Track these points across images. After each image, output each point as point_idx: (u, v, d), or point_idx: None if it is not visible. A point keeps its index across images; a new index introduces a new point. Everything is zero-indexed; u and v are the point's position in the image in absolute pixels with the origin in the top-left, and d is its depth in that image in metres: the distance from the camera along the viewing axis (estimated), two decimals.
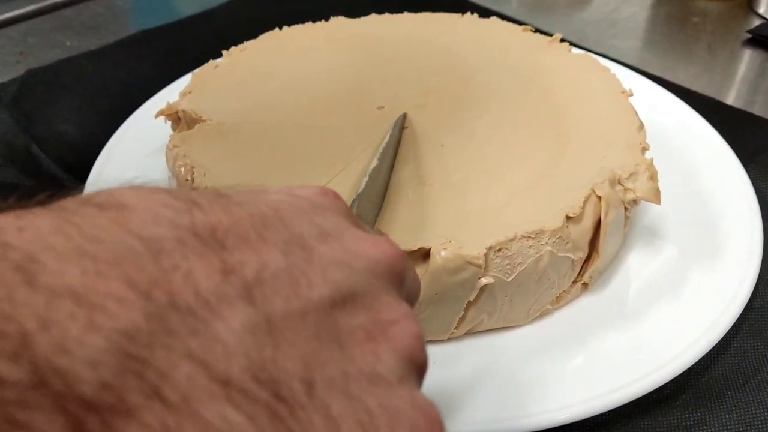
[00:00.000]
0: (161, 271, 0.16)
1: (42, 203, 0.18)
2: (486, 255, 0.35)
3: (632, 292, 0.42)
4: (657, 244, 0.44)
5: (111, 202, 0.18)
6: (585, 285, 0.41)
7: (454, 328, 0.38)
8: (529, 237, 0.36)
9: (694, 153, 0.51)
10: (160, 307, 0.16)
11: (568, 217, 0.37)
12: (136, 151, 0.50)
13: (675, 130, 0.53)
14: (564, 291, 0.40)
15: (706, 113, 0.55)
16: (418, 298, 0.26)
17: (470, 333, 0.39)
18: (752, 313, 0.42)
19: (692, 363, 0.37)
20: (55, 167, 0.54)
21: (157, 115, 0.46)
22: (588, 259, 0.40)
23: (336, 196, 0.24)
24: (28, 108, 0.60)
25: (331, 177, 0.40)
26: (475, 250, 0.35)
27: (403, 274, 0.22)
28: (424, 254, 0.35)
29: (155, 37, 0.72)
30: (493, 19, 0.57)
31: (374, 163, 0.38)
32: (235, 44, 0.54)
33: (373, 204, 0.37)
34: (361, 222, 0.24)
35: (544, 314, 0.40)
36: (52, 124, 0.58)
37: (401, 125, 0.44)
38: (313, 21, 0.57)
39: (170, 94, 0.54)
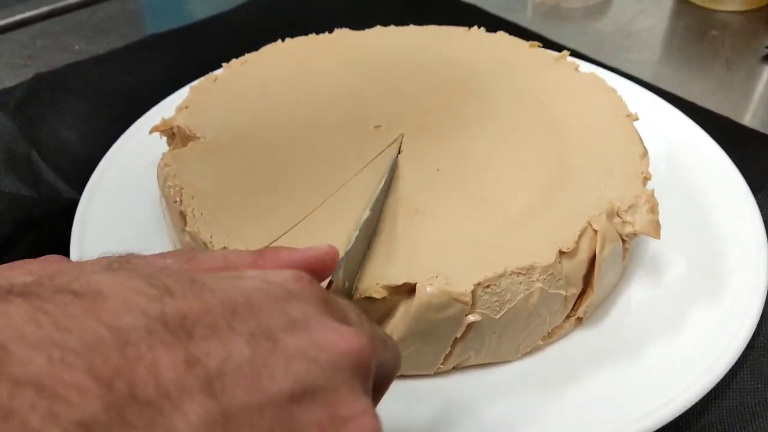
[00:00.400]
0: (126, 361, 0.17)
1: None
2: (473, 292, 0.34)
3: (630, 327, 0.40)
4: (658, 276, 0.43)
5: (86, 289, 0.19)
6: (579, 319, 0.40)
7: (441, 364, 0.37)
8: (520, 273, 0.35)
9: (702, 177, 0.49)
10: (121, 397, 0.16)
11: (561, 252, 0.36)
12: (134, 163, 0.50)
13: (684, 152, 0.51)
14: (556, 326, 0.39)
15: (719, 133, 0.53)
16: (392, 380, 0.26)
17: (458, 368, 0.38)
18: (754, 352, 0.41)
19: (689, 406, 0.36)
20: (54, 176, 0.53)
21: (151, 131, 0.46)
22: (582, 294, 0.39)
23: (310, 281, 0.24)
24: (33, 113, 0.60)
25: (323, 199, 0.40)
26: (462, 286, 0.34)
27: (369, 365, 0.22)
28: (410, 289, 0.35)
29: (165, 41, 0.72)
30: (500, 33, 0.55)
31: (366, 214, 0.37)
32: (247, 49, 0.53)
33: (361, 248, 0.36)
34: (334, 304, 0.24)
35: (535, 350, 0.39)
36: (56, 131, 0.58)
37: (397, 150, 0.43)
38: (322, 30, 0.56)
39: (174, 103, 0.54)
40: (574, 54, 0.64)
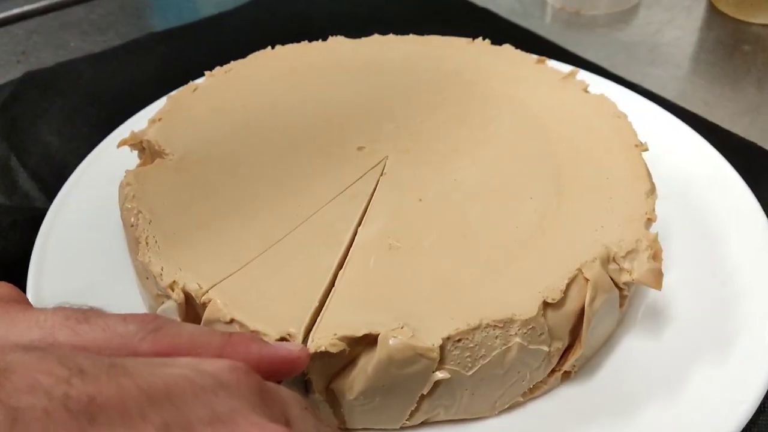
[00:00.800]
0: None
1: None
2: (442, 347, 0.31)
3: (624, 383, 0.36)
4: (660, 326, 0.39)
5: None
6: (567, 373, 0.36)
7: (406, 420, 0.33)
8: (496, 326, 0.32)
9: (719, 214, 0.45)
10: None
11: (546, 303, 0.32)
12: (105, 177, 0.47)
13: (700, 184, 0.47)
14: (540, 382, 0.35)
15: (744, 161, 0.49)
16: None
17: (427, 423, 0.35)
18: (763, 417, 0.36)
19: None
20: (31, 184, 0.51)
21: (119, 145, 0.43)
22: (569, 348, 0.35)
23: (246, 372, 0.23)
24: (18, 114, 0.57)
25: (289, 230, 0.36)
26: (429, 340, 0.31)
27: None
28: (373, 340, 0.31)
29: (163, 40, 0.69)
30: (506, 47, 0.51)
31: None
32: (248, 51, 0.50)
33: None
34: (273, 399, 0.23)
35: (515, 406, 0.35)
36: (39, 135, 0.56)
37: (378, 175, 0.40)
38: (326, 34, 0.52)
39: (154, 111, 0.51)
40: (592, 67, 0.60)
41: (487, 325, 0.31)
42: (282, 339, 0.30)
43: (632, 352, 0.38)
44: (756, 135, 0.56)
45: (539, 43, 0.65)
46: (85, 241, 0.43)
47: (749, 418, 0.34)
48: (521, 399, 0.35)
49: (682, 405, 0.35)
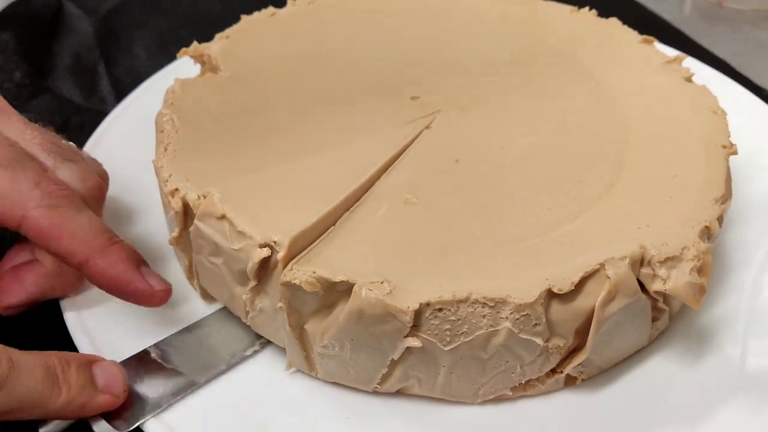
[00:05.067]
0: None
1: None
2: (419, 312, 0.28)
3: (634, 405, 0.32)
4: (701, 355, 0.34)
5: None
6: (572, 379, 0.32)
7: (377, 383, 0.31)
8: (485, 304, 0.28)
9: None
10: None
11: (551, 292, 0.29)
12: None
13: None
14: (534, 379, 0.31)
15: None
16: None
17: (403, 393, 0.32)
18: None
19: None
20: (110, 90, 0.54)
21: (180, 55, 0.43)
22: (577, 350, 0.31)
23: None
24: (116, 25, 0.59)
25: (313, 153, 0.35)
26: (406, 301, 0.28)
27: None
28: (349, 288, 0.29)
29: None
30: (612, 20, 0.46)
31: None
32: None
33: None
34: None
35: (502, 399, 0.32)
36: (130, 47, 0.57)
37: (423, 127, 0.37)
38: None
39: None
40: (715, 61, 0.54)
41: (476, 301, 0.28)
42: (265, 245, 0.29)
43: (657, 374, 0.33)
44: None
45: (666, 33, 0.59)
46: (133, 146, 0.43)
47: None
48: (510, 393, 0.32)
49: None
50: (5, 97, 0.37)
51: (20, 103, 0.50)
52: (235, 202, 0.31)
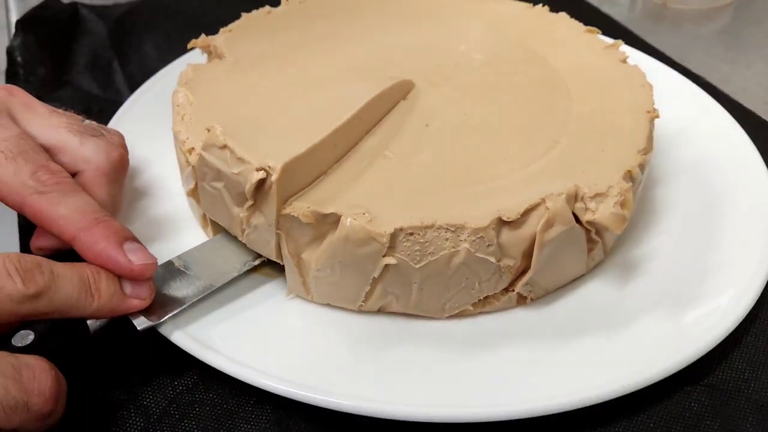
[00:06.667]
0: None
1: None
2: (393, 235, 0.35)
3: (574, 317, 0.39)
4: (629, 280, 0.41)
5: None
6: (523, 298, 0.39)
7: (362, 302, 0.38)
8: (448, 229, 0.35)
9: (734, 193, 0.45)
10: None
11: (501, 220, 0.36)
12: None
13: (722, 165, 0.48)
14: (491, 296, 0.38)
15: None
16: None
17: (384, 311, 0.39)
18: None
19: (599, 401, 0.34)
20: (124, 83, 0.60)
21: (190, 46, 0.50)
22: (525, 272, 0.38)
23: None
24: (129, 27, 0.66)
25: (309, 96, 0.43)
26: (383, 227, 0.35)
27: None
28: (337, 220, 0.36)
29: None
30: (562, 15, 0.53)
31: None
32: None
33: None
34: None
35: (465, 314, 0.38)
36: (141, 46, 0.64)
37: (399, 99, 0.44)
38: None
39: None
40: (654, 53, 0.61)
41: (440, 227, 0.35)
42: (261, 169, 0.35)
43: (592, 295, 0.40)
44: None
45: (613, 26, 0.67)
46: (149, 125, 0.50)
47: (674, 372, 0.36)
48: (471, 309, 0.38)
49: (621, 345, 0.37)
50: (30, 91, 0.43)
51: (44, 94, 0.56)
52: (235, 134, 0.37)
